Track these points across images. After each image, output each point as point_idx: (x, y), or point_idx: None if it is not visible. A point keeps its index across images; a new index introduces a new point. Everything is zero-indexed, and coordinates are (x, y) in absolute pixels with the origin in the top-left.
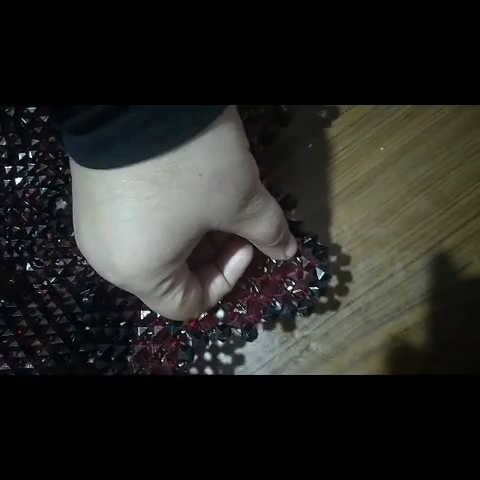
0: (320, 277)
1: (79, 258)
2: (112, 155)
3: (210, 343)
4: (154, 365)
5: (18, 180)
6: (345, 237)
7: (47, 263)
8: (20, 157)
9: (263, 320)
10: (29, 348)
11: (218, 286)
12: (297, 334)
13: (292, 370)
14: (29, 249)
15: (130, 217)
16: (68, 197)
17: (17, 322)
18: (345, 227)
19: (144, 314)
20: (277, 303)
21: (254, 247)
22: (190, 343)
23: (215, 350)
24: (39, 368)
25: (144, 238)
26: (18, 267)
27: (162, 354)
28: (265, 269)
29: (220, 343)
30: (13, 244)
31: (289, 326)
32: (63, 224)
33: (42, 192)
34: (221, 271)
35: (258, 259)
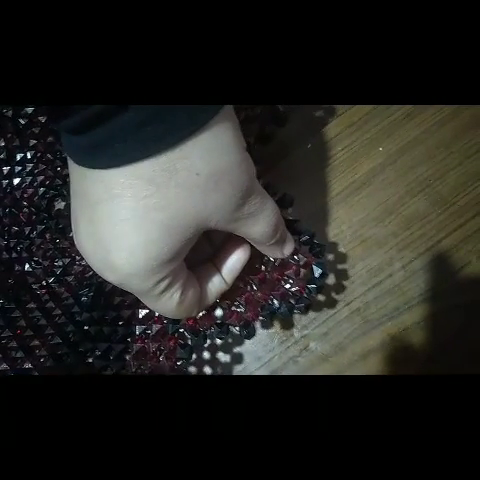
0: (317, 275)
1: (77, 258)
2: (110, 155)
3: (208, 341)
4: (153, 363)
5: (16, 181)
6: (344, 237)
7: (46, 263)
8: (18, 158)
9: (261, 318)
10: (28, 348)
11: (216, 285)
12: (296, 334)
13: (291, 369)
14: (28, 249)
15: (128, 216)
16: (66, 197)
17: (16, 322)
18: (344, 227)
19: (142, 313)
20: (275, 301)
21: (252, 246)
22: (188, 341)
23: (214, 349)
24: (38, 368)
25: (141, 237)
26: (17, 267)
27: (160, 352)
28: (263, 267)
29: (219, 341)
30: (12, 244)
31: (288, 325)
32: (61, 224)
33: (40, 192)
34: (219, 270)
35: (256, 257)
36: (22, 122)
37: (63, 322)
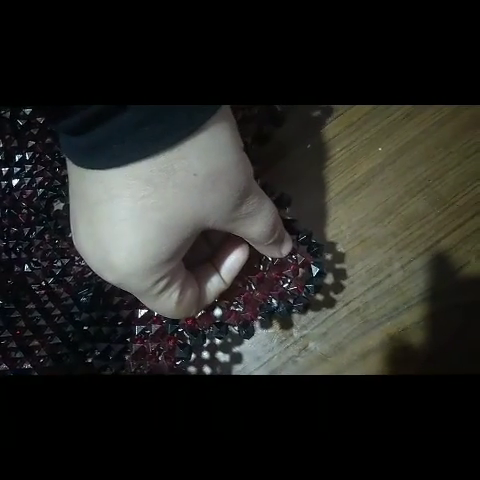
0: (315, 274)
1: (77, 258)
2: (108, 155)
3: (207, 341)
4: (152, 363)
5: (15, 182)
6: (344, 237)
7: (45, 264)
8: (17, 159)
9: (260, 317)
10: (27, 348)
11: (214, 285)
12: (296, 334)
13: (291, 369)
14: (27, 250)
15: (126, 217)
16: (65, 198)
17: (15, 322)
18: (344, 227)
19: (141, 313)
20: (273, 300)
21: (250, 245)
22: (188, 341)
23: (213, 348)
24: (37, 368)
25: (139, 237)
26: (16, 268)
27: (160, 352)
28: (261, 267)
29: (218, 341)
30: (11, 245)
31: (287, 325)
32: (60, 225)
33: (39, 193)
34: (217, 270)
35: (254, 257)
36: (20, 123)
37: (62, 322)
